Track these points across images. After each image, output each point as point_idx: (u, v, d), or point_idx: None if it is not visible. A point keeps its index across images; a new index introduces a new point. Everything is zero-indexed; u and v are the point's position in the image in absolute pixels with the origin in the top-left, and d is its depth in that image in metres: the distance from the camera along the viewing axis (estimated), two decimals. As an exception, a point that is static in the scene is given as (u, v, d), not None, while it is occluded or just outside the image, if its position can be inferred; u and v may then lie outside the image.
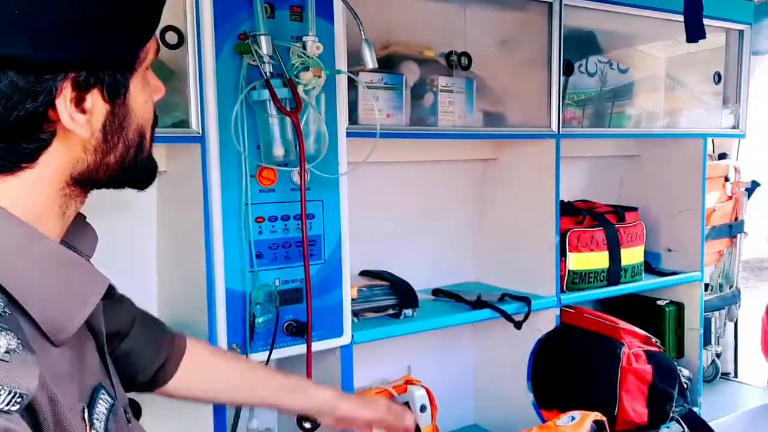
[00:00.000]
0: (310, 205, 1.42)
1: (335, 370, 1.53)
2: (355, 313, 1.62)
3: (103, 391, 0.71)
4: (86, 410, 0.66)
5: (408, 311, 1.71)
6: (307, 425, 1.26)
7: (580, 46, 1.94)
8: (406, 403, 1.83)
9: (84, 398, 0.67)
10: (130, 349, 0.99)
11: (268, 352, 1.37)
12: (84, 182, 0.69)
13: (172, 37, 1.27)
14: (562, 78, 1.84)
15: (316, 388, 1.16)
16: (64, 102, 0.62)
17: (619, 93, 2.06)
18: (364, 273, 1.82)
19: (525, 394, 1.95)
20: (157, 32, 0.72)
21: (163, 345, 1.04)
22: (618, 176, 2.45)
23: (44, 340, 0.63)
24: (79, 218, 0.76)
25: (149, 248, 1.51)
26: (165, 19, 1.25)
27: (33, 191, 0.65)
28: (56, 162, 0.65)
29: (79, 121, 0.64)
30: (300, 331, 1.40)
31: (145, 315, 1.06)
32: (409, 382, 1.88)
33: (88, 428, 0.65)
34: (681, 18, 1.57)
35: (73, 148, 0.66)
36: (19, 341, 0.56)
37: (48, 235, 0.66)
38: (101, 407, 0.69)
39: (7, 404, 0.52)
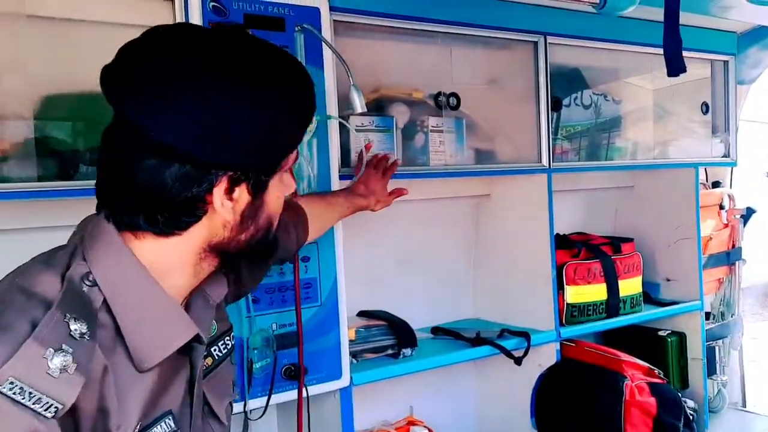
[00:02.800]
0: (305, 249, 1.43)
1: (335, 413, 1.53)
2: (353, 355, 1.62)
3: (170, 418, 0.84)
4: (138, 427, 0.78)
5: (407, 351, 1.71)
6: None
7: (568, 82, 1.99)
8: (409, 445, 1.81)
9: (146, 419, 0.80)
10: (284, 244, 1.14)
11: (266, 398, 1.37)
12: (217, 250, 0.84)
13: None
14: (550, 113, 1.87)
15: (343, 197, 1.44)
16: (219, 191, 0.79)
17: (612, 125, 2.10)
18: (362, 313, 1.82)
19: (529, 431, 1.93)
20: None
21: (299, 225, 1.24)
22: (613, 208, 2.46)
23: (131, 365, 0.78)
24: (218, 271, 0.90)
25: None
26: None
27: (176, 251, 0.82)
28: (200, 233, 0.82)
29: (227, 207, 0.80)
30: (299, 375, 1.40)
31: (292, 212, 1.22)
32: (411, 422, 1.87)
33: None
34: (662, 51, 1.61)
35: (215, 224, 0.82)
36: (76, 364, 0.70)
37: (175, 284, 0.83)
38: (159, 429, 0.82)
39: (45, 410, 0.68)
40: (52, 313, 0.71)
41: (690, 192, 2.25)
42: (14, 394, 0.66)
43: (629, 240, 2.20)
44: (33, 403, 0.67)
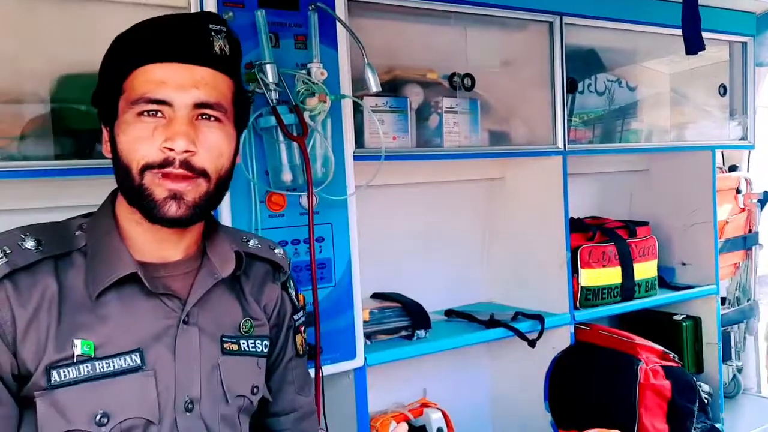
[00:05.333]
0: (320, 229, 1.44)
1: (349, 393, 1.53)
2: (367, 336, 1.62)
3: (137, 354, 0.90)
4: (78, 345, 0.88)
5: (421, 332, 1.71)
6: None
7: (583, 63, 1.97)
8: (423, 427, 1.82)
9: (105, 349, 0.89)
10: None
11: (281, 377, 1.37)
12: (122, 194, 0.97)
13: (180, 69, 1.30)
14: (566, 95, 1.85)
15: None
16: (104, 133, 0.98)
17: (628, 110, 2.08)
18: (376, 295, 1.83)
19: (543, 414, 1.93)
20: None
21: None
22: (628, 191, 2.45)
23: (87, 295, 0.90)
24: (226, 250, 1.02)
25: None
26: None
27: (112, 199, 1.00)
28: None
29: (104, 147, 0.97)
30: (314, 355, 1.40)
31: None
32: (425, 404, 1.87)
33: (72, 359, 0.87)
34: (680, 32, 1.59)
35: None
36: (6, 259, 0.87)
37: (138, 233, 0.96)
38: (120, 361, 0.89)
39: None
40: (13, 230, 0.91)
41: (706, 175, 2.23)
42: None
43: (644, 224, 2.18)
44: None
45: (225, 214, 1.33)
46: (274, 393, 1.13)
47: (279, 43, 1.37)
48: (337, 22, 1.42)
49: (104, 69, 0.95)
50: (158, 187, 0.89)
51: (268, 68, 1.31)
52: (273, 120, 1.32)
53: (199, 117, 0.91)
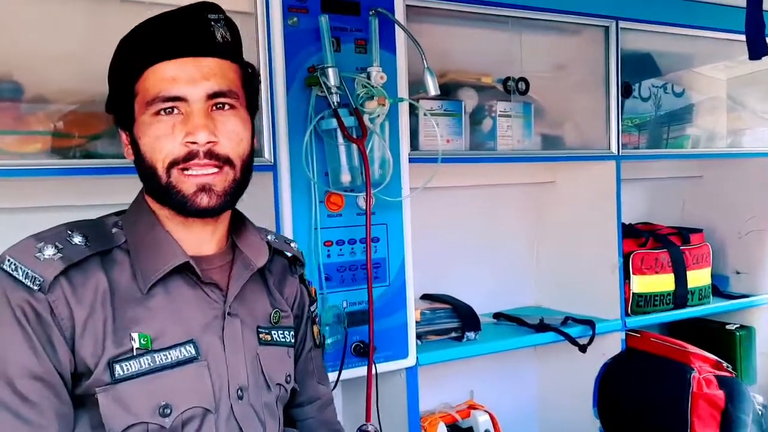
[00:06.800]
0: (375, 229, 1.47)
1: (401, 392, 1.55)
2: (418, 336, 1.64)
3: (191, 345, 0.91)
4: (136, 338, 0.88)
5: (471, 334, 1.72)
6: None
7: (638, 68, 1.95)
8: (470, 429, 1.83)
9: (160, 342, 0.90)
10: None
11: (337, 373, 1.40)
12: (150, 194, 0.99)
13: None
14: (621, 99, 1.85)
15: None
16: (122, 137, 1.01)
17: (676, 116, 2.05)
18: (425, 296, 1.85)
19: (591, 420, 1.92)
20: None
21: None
22: (680, 198, 2.41)
23: (138, 290, 0.91)
24: (259, 240, 1.04)
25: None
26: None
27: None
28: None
29: (125, 150, 0.99)
30: (368, 352, 1.43)
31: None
32: (472, 406, 1.88)
33: (132, 352, 0.87)
34: (740, 37, 1.56)
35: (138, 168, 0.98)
36: (61, 255, 0.87)
37: (174, 231, 0.96)
38: (176, 353, 0.90)
39: (32, 283, 0.85)
40: (59, 227, 0.92)
41: (763, 182, 2.19)
42: (11, 270, 0.85)
43: (698, 231, 2.15)
44: (24, 278, 0.85)
45: (286, 212, 1.37)
46: (299, 383, 1.13)
47: (340, 47, 1.40)
48: (396, 27, 1.45)
49: (114, 74, 0.97)
50: (186, 182, 0.91)
51: (330, 72, 1.34)
52: (334, 122, 1.35)
53: (214, 107, 0.92)
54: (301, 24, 1.37)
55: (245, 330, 0.98)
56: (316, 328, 1.19)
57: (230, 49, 0.96)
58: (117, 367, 0.87)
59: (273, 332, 1.03)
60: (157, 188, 0.92)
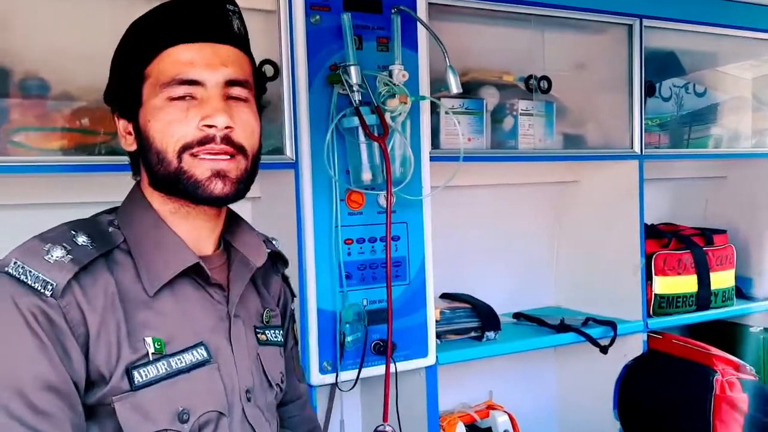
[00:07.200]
0: (396, 228, 1.46)
1: (420, 391, 1.55)
2: (437, 335, 1.63)
3: (202, 347, 0.89)
4: (150, 343, 0.85)
5: (490, 334, 1.71)
6: None
7: (661, 67, 1.93)
8: (488, 429, 1.82)
9: (172, 345, 0.87)
10: None
11: (357, 371, 1.40)
12: (154, 186, 0.94)
13: (268, 70, 1.36)
14: (644, 98, 1.82)
15: None
16: (119, 127, 0.98)
17: (698, 116, 2.03)
18: (445, 296, 1.84)
19: (611, 422, 1.90)
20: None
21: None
22: (702, 198, 2.38)
23: (143, 292, 0.87)
24: (257, 239, 1.01)
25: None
26: (261, 54, 1.34)
27: (147, 192, 0.95)
28: (143, 172, 0.95)
29: (123, 141, 0.96)
30: (388, 350, 1.43)
31: None
32: (491, 407, 1.87)
33: (148, 357, 0.84)
34: (765, 35, 1.55)
35: (141, 159, 0.95)
36: (71, 257, 0.82)
37: (177, 226, 0.93)
38: (190, 356, 0.87)
39: (44, 288, 0.79)
40: (60, 227, 0.88)
41: (789, 183, 2.15)
42: (17, 273, 0.80)
43: (722, 232, 2.12)
44: (33, 282, 0.79)
45: (307, 210, 1.37)
46: (285, 382, 1.11)
47: (362, 45, 1.40)
48: (419, 25, 1.45)
49: (122, 57, 0.93)
50: (199, 167, 0.87)
51: (352, 70, 1.34)
52: (356, 120, 1.35)
53: (228, 97, 0.89)
54: (324, 22, 1.37)
55: (247, 331, 0.98)
56: (296, 326, 1.19)
57: (244, 41, 0.94)
58: (135, 373, 0.83)
59: (267, 332, 1.02)
60: (166, 175, 0.88)
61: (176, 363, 0.86)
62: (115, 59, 0.95)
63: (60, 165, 1.21)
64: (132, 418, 0.82)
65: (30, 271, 0.80)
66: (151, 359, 0.84)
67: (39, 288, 0.79)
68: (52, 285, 0.79)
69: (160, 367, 0.85)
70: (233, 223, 1.01)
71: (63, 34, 1.23)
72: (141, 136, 0.89)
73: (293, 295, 1.17)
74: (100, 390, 0.82)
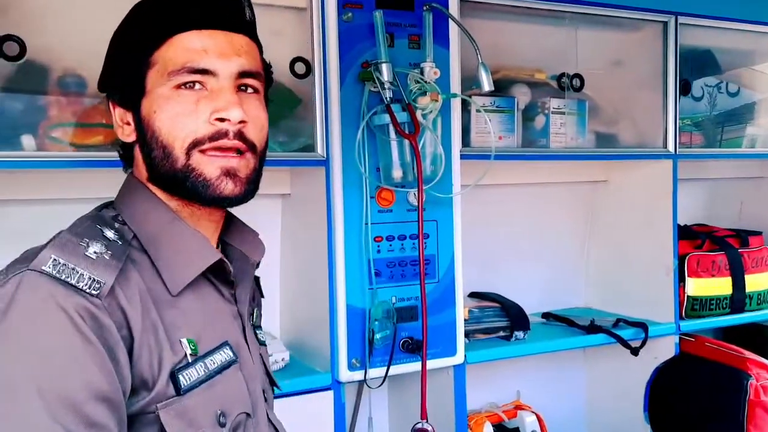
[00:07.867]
0: (425, 225, 1.46)
1: (448, 390, 1.55)
2: (465, 334, 1.63)
3: (228, 347, 0.85)
4: (186, 344, 0.79)
5: (519, 333, 1.70)
6: None
7: (697, 65, 1.89)
8: (516, 429, 1.81)
9: (202, 345, 0.81)
10: None
11: (385, 368, 1.41)
12: (154, 181, 0.88)
13: (300, 68, 1.36)
14: (679, 97, 1.79)
15: None
16: (115, 117, 0.91)
17: (732, 115, 1.99)
18: (473, 294, 1.83)
19: (641, 426, 1.87)
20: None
21: None
22: (737, 199, 2.33)
23: (167, 291, 0.81)
24: (253, 234, 0.96)
25: (272, 267, 1.58)
26: (294, 51, 1.35)
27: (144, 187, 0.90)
28: (138, 165, 0.90)
29: (120, 131, 0.88)
30: (416, 348, 1.43)
31: None
32: (519, 407, 1.86)
33: (187, 359, 0.79)
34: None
35: (137, 153, 0.90)
36: (111, 252, 0.76)
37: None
38: (220, 356, 0.83)
39: (89, 287, 0.71)
40: (81, 221, 0.81)
41: (829, 184, 2.10)
42: (58, 272, 0.71)
43: (758, 233, 2.07)
44: (77, 281, 0.71)
45: (338, 207, 1.38)
46: None
47: (394, 42, 1.40)
48: (450, 22, 1.44)
49: (124, 42, 0.86)
50: (208, 165, 0.80)
51: (384, 67, 1.34)
52: (387, 118, 1.35)
53: (238, 89, 0.83)
54: (356, 19, 1.37)
55: (252, 330, 0.96)
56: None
57: (255, 30, 0.89)
58: (180, 377, 0.77)
59: (257, 331, 1.00)
60: (171, 172, 0.81)
61: (210, 364, 0.81)
62: (116, 43, 0.88)
63: (97, 160, 1.23)
64: (177, 425, 0.76)
65: (74, 269, 0.72)
66: (189, 361, 0.79)
67: (84, 287, 0.71)
68: (99, 284, 0.72)
69: (199, 369, 0.79)
70: (227, 219, 0.95)
71: (100, 32, 1.24)
72: (143, 127, 0.82)
73: (262, 296, 1.11)
74: (142, 398, 0.75)
